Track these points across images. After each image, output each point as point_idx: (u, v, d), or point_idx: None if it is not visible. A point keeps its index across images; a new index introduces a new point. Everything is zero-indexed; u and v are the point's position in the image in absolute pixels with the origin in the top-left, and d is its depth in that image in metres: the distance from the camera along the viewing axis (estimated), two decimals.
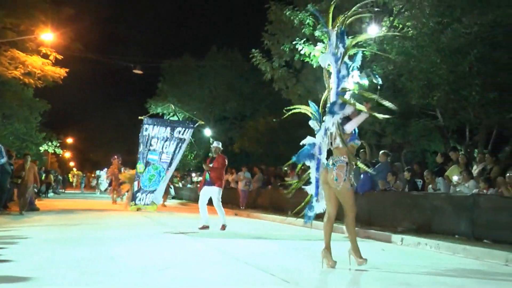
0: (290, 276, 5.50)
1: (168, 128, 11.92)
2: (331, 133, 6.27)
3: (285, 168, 19.49)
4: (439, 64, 12.16)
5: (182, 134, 11.92)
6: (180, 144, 11.86)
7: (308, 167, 6.69)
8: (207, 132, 34.43)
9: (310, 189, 6.69)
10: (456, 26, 12.10)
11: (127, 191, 19.37)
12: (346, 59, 6.55)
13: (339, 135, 6.15)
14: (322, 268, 6.17)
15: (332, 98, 6.44)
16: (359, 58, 6.73)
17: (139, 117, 12.15)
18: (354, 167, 6.43)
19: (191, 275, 5.57)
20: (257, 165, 22.23)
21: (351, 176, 6.25)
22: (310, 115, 6.86)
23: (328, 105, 6.45)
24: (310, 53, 15.64)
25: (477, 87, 11.90)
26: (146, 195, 11.56)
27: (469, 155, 13.69)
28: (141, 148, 11.76)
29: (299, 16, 15.70)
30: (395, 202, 11.11)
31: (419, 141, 18.00)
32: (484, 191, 9.66)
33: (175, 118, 35.34)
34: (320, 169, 6.41)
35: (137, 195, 11.56)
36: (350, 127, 6.26)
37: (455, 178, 10.88)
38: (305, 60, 16.14)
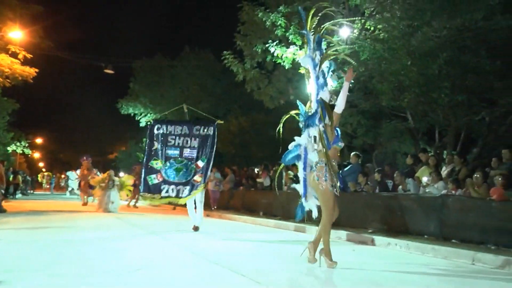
0: (261, 277, 5.50)
1: (185, 126, 11.76)
2: (314, 136, 6.37)
3: (257, 170, 19.58)
4: (409, 67, 12.32)
5: (203, 131, 11.72)
6: (206, 140, 11.59)
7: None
8: None
9: (299, 188, 6.77)
10: (426, 29, 12.27)
11: (97, 195, 19.40)
12: (324, 66, 6.63)
13: (321, 142, 6.29)
14: (300, 256, 6.39)
15: (313, 105, 6.50)
16: (333, 65, 6.83)
17: (147, 121, 12.35)
18: (336, 168, 6.54)
19: (163, 276, 5.54)
20: (229, 166, 22.21)
21: (335, 178, 6.34)
22: (297, 117, 6.91)
23: (310, 112, 6.52)
24: (282, 54, 15.70)
25: (446, 90, 12.08)
26: (176, 186, 11.17)
27: (438, 156, 13.88)
28: (155, 146, 11.54)
29: (271, 18, 15.74)
30: (366, 203, 11.22)
31: (390, 143, 18.22)
32: (453, 192, 9.84)
33: (147, 118, 35.19)
34: (307, 169, 6.50)
35: (162, 187, 11.17)
36: (341, 102, 6.37)
37: (424, 179, 11.06)
38: (277, 62, 16.21)
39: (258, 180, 18.21)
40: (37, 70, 22.00)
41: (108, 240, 9.03)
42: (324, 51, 6.76)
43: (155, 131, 11.70)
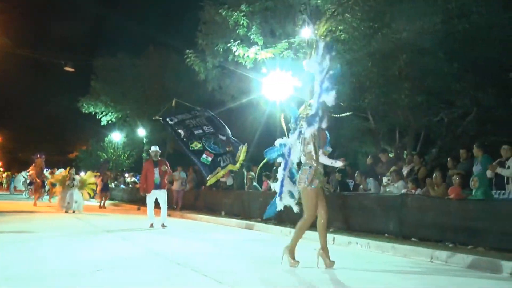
0: (223, 277, 5.42)
1: (186, 112, 12.08)
2: (304, 138, 6.35)
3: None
4: (370, 68, 12.44)
5: (199, 112, 12.14)
6: (211, 119, 11.96)
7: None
8: (141, 132, 33.85)
9: (275, 187, 6.83)
10: (386, 31, 12.40)
11: (58, 193, 18.58)
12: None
13: (313, 145, 6.27)
14: (318, 267, 6.30)
15: (313, 107, 6.43)
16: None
17: (154, 118, 12.73)
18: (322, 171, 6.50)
19: (123, 276, 5.43)
20: (191, 165, 22.00)
21: (316, 180, 6.33)
22: (284, 125, 6.83)
23: (310, 112, 6.44)
24: (244, 54, 15.65)
25: (406, 91, 12.24)
26: (224, 156, 11.33)
27: (398, 156, 14.06)
28: (183, 133, 11.50)
29: (234, 17, 15.67)
30: (327, 202, 11.23)
31: (351, 143, 18.38)
32: (412, 191, 9.95)
33: (108, 117, 34.59)
34: (286, 170, 6.56)
35: (218, 159, 11.22)
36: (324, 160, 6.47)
37: (385, 179, 11.16)
38: (239, 61, 16.14)
39: (221, 179, 18.08)
40: None
41: (67, 241, 8.82)
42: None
43: (170, 122, 11.73)
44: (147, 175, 11.88)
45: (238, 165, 11.57)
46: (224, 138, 11.62)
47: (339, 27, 14.12)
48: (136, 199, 23.00)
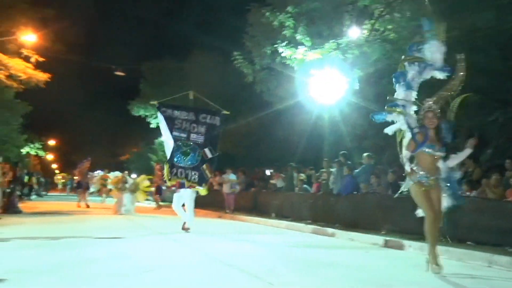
0: (273, 278, 5.39)
1: (192, 113, 11.53)
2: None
3: (269, 171, 19.34)
4: None
5: (209, 120, 11.54)
6: (211, 129, 11.43)
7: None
8: None
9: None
10: None
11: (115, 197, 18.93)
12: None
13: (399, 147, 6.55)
14: (427, 271, 6.13)
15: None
16: None
17: (151, 102, 12.03)
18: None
19: (174, 277, 5.43)
20: (240, 167, 21.98)
21: (419, 177, 6.25)
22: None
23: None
24: (292, 55, 15.52)
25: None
26: (185, 171, 10.92)
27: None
28: (164, 127, 11.42)
29: (279, 18, 15.57)
30: (378, 204, 11.03)
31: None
32: (467, 193, 9.63)
33: (157, 120, 35.00)
34: None
35: (172, 170, 10.91)
36: (452, 162, 6.50)
37: None
38: (287, 63, 16.02)
39: (271, 181, 18.01)
40: (50, 75, 22.06)
41: (117, 241, 8.97)
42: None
43: (163, 114, 11.53)
44: None
45: (203, 192, 11.24)
46: (209, 155, 11.21)
47: (388, 27, 13.85)
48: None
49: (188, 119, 11.38)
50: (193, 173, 10.89)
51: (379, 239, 9.47)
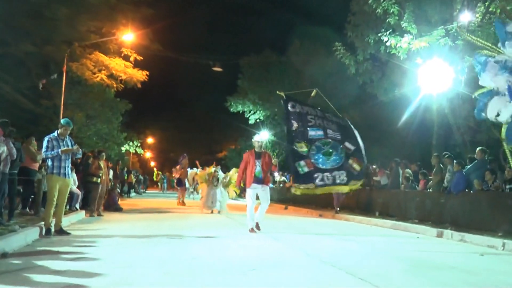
0: (379, 281, 5.40)
1: (318, 110, 11.00)
2: None
3: (374, 166, 19.09)
4: None
5: (335, 118, 11.05)
6: (344, 128, 10.86)
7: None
8: None
9: None
10: None
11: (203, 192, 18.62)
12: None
13: None
14: None
15: None
16: None
17: (278, 92, 11.25)
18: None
19: (276, 277, 5.57)
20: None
21: None
22: None
23: None
24: (397, 44, 15.33)
25: None
26: (332, 173, 10.34)
27: None
28: (295, 126, 10.73)
29: (383, 5, 15.41)
30: (494, 203, 10.64)
31: None
32: None
33: (256, 115, 35.57)
34: None
35: (315, 175, 10.35)
36: None
37: None
38: (391, 52, 15.84)
39: (374, 178, 17.78)
40: (147, 73, 23.18)
41: (217, 239, 9.27)
42: None
43: (290, 109, 10.85)
44: (246, 167, 10.80)
45: (345, 189, 10.65)
46: (351, 147, 10.59)
47: (507, 8, 13.33)
48: (286, 199, 23.50)
49: (318, 115, 10.87)
50: (340, 174, 10.36)
51: (497, 241, 9.08)
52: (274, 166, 11.64)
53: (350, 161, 10.43)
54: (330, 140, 10.52)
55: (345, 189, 10.68)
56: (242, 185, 11.00)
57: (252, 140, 11.34)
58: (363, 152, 10.70)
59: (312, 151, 10.45)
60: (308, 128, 10.60)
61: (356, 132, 10.85)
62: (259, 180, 10.57)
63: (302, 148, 10.50)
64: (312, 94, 11.45)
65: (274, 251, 7.88)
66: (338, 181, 10.32)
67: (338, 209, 17.24)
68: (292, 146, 10.54)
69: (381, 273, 6.01)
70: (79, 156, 10.10)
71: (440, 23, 14.87)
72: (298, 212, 19.32)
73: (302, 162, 10.41)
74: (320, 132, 10.59)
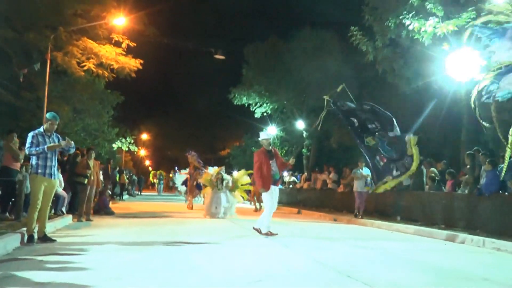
0: None
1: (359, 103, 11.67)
2: None
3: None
4: None
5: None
6: (382, 118, 11.22)
7: None
8: (300, 124, 34.28)
9: None
10: None
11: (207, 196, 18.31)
12: None
13: None
14: None
15: None
16: None
17: (324, 97, 11.69)
18: None
19: None
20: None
21: None
22: None
23: None
24: (420, 28, 15.23)
25: None
26: (402, 160, 10.91)
27: None
28: (356, 123, 11.39)
29: None
30: None
31: None
32: None
33: (263, 108, 35.49)
34: None
35: (391, 166, 10.95)
36: None
37: None
38: (415, 37, 15.74)
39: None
40: (142, 61, 23.02)
41: (219, 246, 9.24)
42: None
43: (343, 108, 11.40)
44: (262, 168, 11.04)
45: (414, 166, 10.91)
46: (392, 134, 10.96)
47: None
48: (297, 201, 23.48)
49: (363, 109, 11.42)
50: (406, 160, 10.87)
51: None
52: (291, 165, 11.78)
53: (407, 152, 10.84)
54: (383, 131, 11.05)
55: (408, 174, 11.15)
56: (263, 189, 11.15)
57: (259, 139, 11.68)
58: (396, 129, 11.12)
59: (378, 142, 11.05)
60: (366, 121, 11.20)
61: (394, 121, 11.17)
62: (276, 182, 11.16)
63: (371, 142, 11.15)
64: (338, 89, 11.81)
65: (283, 260, 7.82)
66: (403, 171, 10.91)
67: (360, 213, 16.77)
68: (363, 143, 11.10)
69: (403, 285, 5.96)
70: (73, 150, 9.99)
71: (471, 3, 14.75)
72: (310, 216, 19.27)
73: (377, 157, 11.06)
74: (373, 125, 11.17)
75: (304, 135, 34.62)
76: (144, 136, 64.66)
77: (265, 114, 36.49)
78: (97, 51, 22.11)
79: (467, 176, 14.06)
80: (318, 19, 33.47)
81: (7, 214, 12.25)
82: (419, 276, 6.64)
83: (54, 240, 9.04)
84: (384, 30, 17.12)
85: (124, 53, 22.89)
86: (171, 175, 47.90)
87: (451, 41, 14.71)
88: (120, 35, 22.67)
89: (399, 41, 17.12)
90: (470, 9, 14.41)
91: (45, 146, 8.86)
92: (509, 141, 6.75)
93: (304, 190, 25.73)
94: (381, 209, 16.86)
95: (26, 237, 8.81)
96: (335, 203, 19.42)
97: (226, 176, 17.98)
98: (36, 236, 8.91)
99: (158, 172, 54.42)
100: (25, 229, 8.98)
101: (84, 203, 14.17)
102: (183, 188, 28.11)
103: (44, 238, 8.97)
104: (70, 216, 13.91)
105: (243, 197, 19.13)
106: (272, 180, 10.99)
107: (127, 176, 35.70)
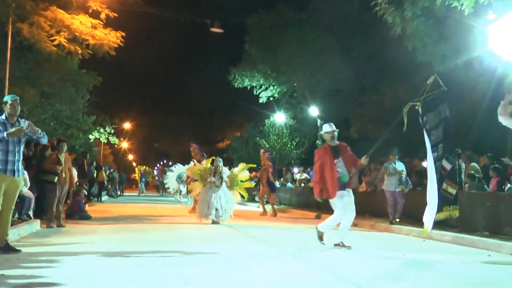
0: None
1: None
2: None
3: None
4: None
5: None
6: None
7: None
8: (313, 111, 34.13)
9: None
10: None
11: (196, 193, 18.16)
12: None
13: None
14: None
15: None
16: None
17: (413, 103, 11.36)
18: None
19: None
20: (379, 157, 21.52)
21: None
22: None
23: None
24: None
25: None
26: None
27: None
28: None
29: None
30: None
31: None
32: None
33: (269, 92, 35.40)
34: None
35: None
36: None
37: None
38: (452, 5, 15.63)
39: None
40: (123, 34, 22.72)
41: (219, 256, 9.25)
42: None
43: (425, 124, 11.01)
44: (324, 169, 10.71)
45: None
46: (448, 167, 10.96)
47: None
48: (310, 203, 23.38)
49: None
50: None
51: None
52: (363, 164, 11.41)
53: (445, 185, 10.79)
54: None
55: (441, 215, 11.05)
56: (321, 198, 10.97)
57: (320, 132, 11.35)
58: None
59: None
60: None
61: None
62: (345, 185, 10.74)
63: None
64: (428, 81, 11.34)
65: (293, 274, 7.81)
66: None
67: (394, 217, 16.46)
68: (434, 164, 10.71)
69: None
70: (44, 141, 9.83)
71: None
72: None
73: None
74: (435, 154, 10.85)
75: (319, 123, 34.36)
76: (127, 126, 64.55)
77: (271, 98, 36.39)
78: (69, 23, 21.79)
79: None
80: None
81: None
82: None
83: (18, 250, 9.01)
84: None
85: (102, 25, 22.63)
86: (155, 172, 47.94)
87: (498, 9, 14.58)
88: (98, 3, 22.43)
89: (433, 10, 16.98)
90: None
91: (4, 133, 8.69)
92: None
93: None
94: (409, 212, 16.76)
95: None
96: (356, 205, 19.27)
97: (225, 170, 17.50)
98: None
99: (143, 168, 54.52)
100: None
101: (54, 205, 14.05)
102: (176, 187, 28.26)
103: (6, 248, 8.93)
104: (38, 221, 13.91)
105: (243, 196, 18.90)
106: (339, 184, 10.63)
107: (107, 173, 35.74)
